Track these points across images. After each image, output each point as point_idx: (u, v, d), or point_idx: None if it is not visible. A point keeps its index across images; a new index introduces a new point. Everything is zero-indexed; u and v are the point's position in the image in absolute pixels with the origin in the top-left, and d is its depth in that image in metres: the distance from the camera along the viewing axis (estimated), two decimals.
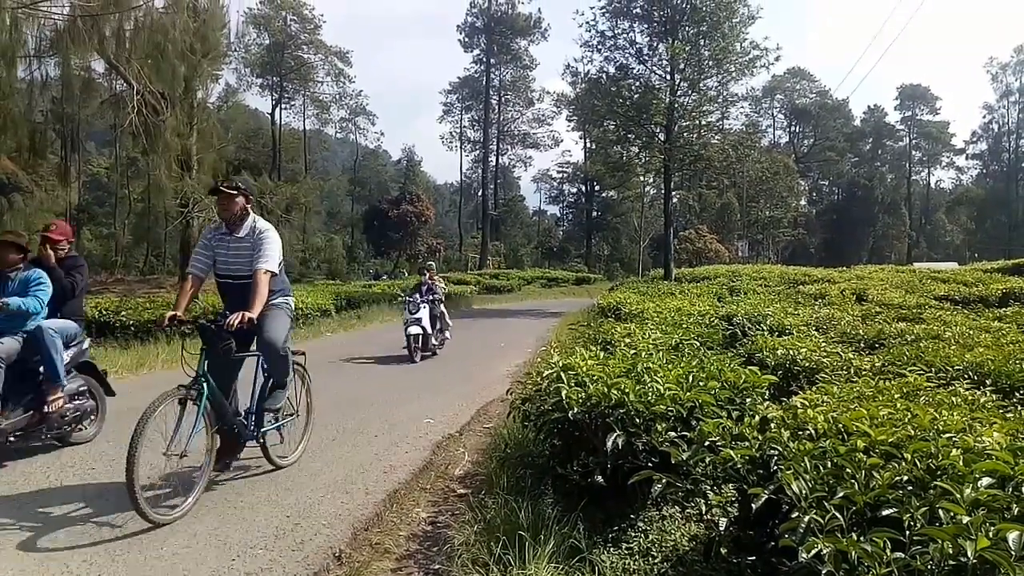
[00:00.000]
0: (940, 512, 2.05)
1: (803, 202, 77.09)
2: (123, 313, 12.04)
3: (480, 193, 69.17)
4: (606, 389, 3.80)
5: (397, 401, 8.02)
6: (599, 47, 31.45)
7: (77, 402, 5.76)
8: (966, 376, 4.82)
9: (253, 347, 4.98)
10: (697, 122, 31.02)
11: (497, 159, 69.88)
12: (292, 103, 62.51)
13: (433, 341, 11.94)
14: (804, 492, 2.33)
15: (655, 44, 30.65)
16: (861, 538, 2.03)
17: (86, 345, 6.12)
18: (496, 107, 67.00)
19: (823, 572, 2.00)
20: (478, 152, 69.35)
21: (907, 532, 2.04)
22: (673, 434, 3.44)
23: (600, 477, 3.61)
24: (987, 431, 2.74)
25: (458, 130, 69.98)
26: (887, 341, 6.96)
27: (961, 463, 2.29)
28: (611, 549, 3.33)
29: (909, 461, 2.41)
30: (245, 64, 54.46)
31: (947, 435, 2.71)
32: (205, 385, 4.38)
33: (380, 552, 3.79)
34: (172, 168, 16.15)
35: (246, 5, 61.49)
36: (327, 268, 54.71)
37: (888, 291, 14.90)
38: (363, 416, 7.13)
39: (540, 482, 4.27)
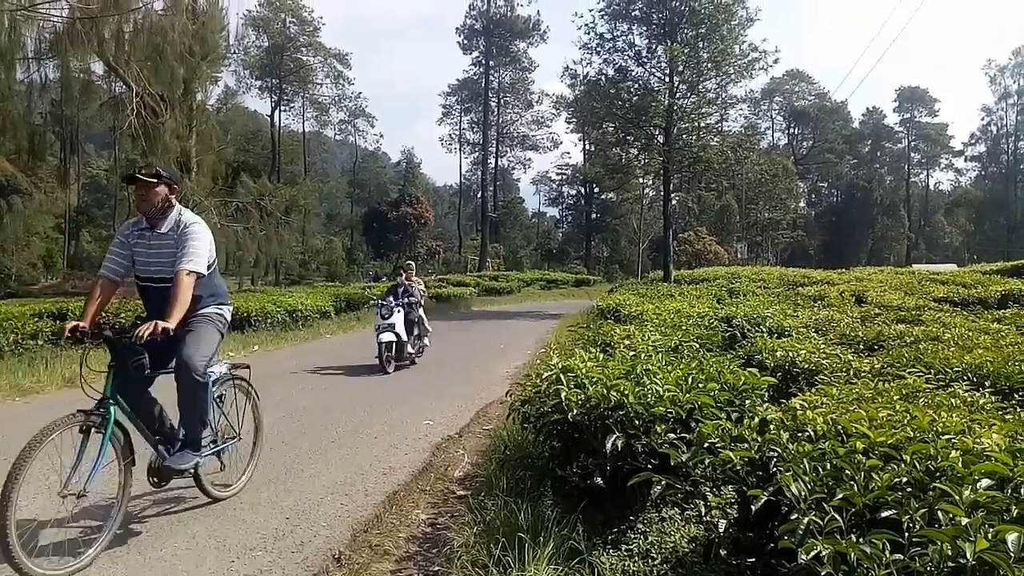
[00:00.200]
0: (939, 514, 2.05)
1: (802, 204, 77.20)
2: (122, 315, 12.03)
3: (479, 195, 69.22)
4: (605, 391, 3.80)
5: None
6: (598, 49, 31.55)
7: None
8: (965, 378, 4.82)
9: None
10: (696, 124, 31.08)
11: (496, 161, 70.01)
12: (291, 105, 62.60)
13: (409, 349, 11.01)
14: (803, 494, 2.33)
15: (654, 46, 30.72)
16: (860, 540, 2.03)
17: None
18: (495, 109, 67.08)
19: (822, 573, 2.00)
20: (477, 154, 69.43)
21: (906, 534, 2.04)
22: (672, 436, 3.45)
23: (599, 479, 3.61)
24: (986, 433, 2.75)
25: (457, 132, 70.15)
26: (886, 343, 6.97)
27: (960, 465, 2.30)
28: (610, 551, 3.33)
29: (908, 463, 2.41)
30: (244, 66, 54.53)
31: (946, 437, 2.71)
32: (113, 409, 3.73)
33: (380, 554, 3.79)
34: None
35: (245, 7, 61.69)
36: (326, 270, 54.72)
37: (887, 293, 14.92)
38: (360, 418, 7.11)
39: (539, 484, 4.27)
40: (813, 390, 4.36)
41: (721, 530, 2.92)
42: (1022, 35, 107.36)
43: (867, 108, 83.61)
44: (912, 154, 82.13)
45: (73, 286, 38.48)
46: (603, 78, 31.50)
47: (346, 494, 4.74)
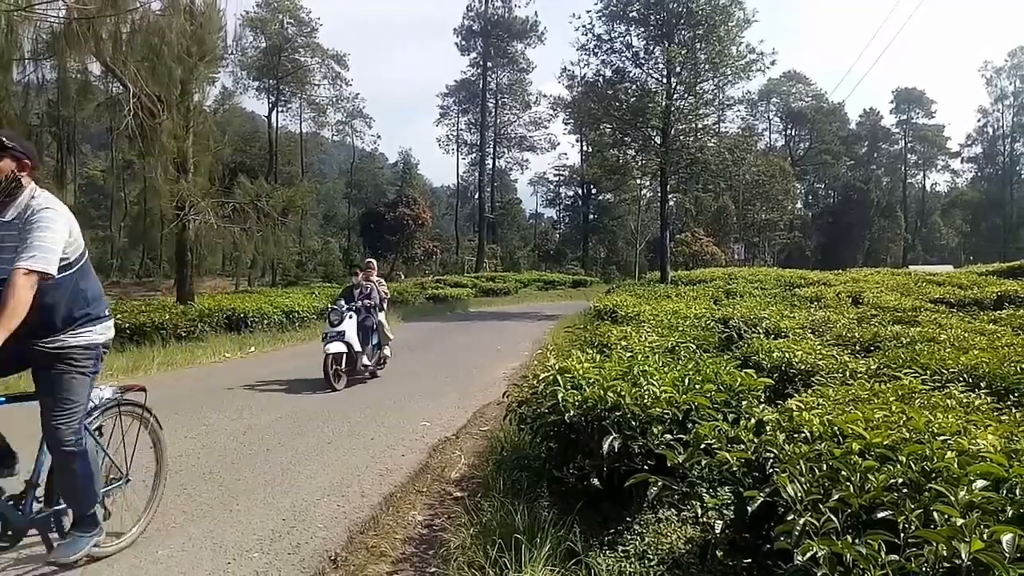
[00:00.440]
0: (935, 514, 2.05)
1: (799, 205, 77.29)
2: (118, 316, 12.02)
3: (477, 196, 69.17)
4: (602, 392, 3.80)
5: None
6: (595, 50, 31.53)
7: None
8: (961, 379, 4.83)
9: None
10: (693, 125, 31.08)
11: (494, 162, 69.96)
12: (289, 106, 62.48)
13: (365, 361, 9.69)
14: (799, 495, 2.34)
15: (651, 48, 30.73)
16: (856, 540, 2.03)
17: None
18: (493, 110, 67.07)
19: (818, 574, 2.00)
20: (475, 155, 69.37)
21: (902, 534, 2.05)
22: (669, 437, 3.45)
23: (596, 480, 3.61)
24: (982, 434, 2.76)
25: (455, 133, 70.10)
26: (882, 344, 6.98)
27: (956, 465, 2.30)
28: (607, 552, 3.33)
29: (904, 464, 2.41)
30: (242, 67, 54.37)
31: (942, 438, 2.71)
32: None
33: (376, 555, 3.79)
34: (168, 171, 16.10)
35: (243, 8, 61.42)
36: (323, 271, 54.62)
37: (884, 294, 14.95)
38: (357, 419, 7.11)
39: (536, 485, 4.28)
40: (809, 391, 4.38)
41: (717, 531, 2.92)
42: (1018, 37, 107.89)
43: (864, 109, 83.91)
44: (909, 155, 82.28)
45: None
46: (600, 79, 31.51)
47: (343, 495, 4.73)
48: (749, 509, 2.56)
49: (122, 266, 52.18)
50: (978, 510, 2.04)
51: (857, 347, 7.15)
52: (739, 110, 36.14)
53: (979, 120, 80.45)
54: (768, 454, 2.81)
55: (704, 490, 3.14)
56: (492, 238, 66.95)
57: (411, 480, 5.14)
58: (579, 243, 71.12)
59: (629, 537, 3.48)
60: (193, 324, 13.33)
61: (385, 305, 10.87)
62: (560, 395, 3.91)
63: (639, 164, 34.09)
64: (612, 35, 31.28)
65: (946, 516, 2.01)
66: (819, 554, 2.02)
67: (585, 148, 61.93)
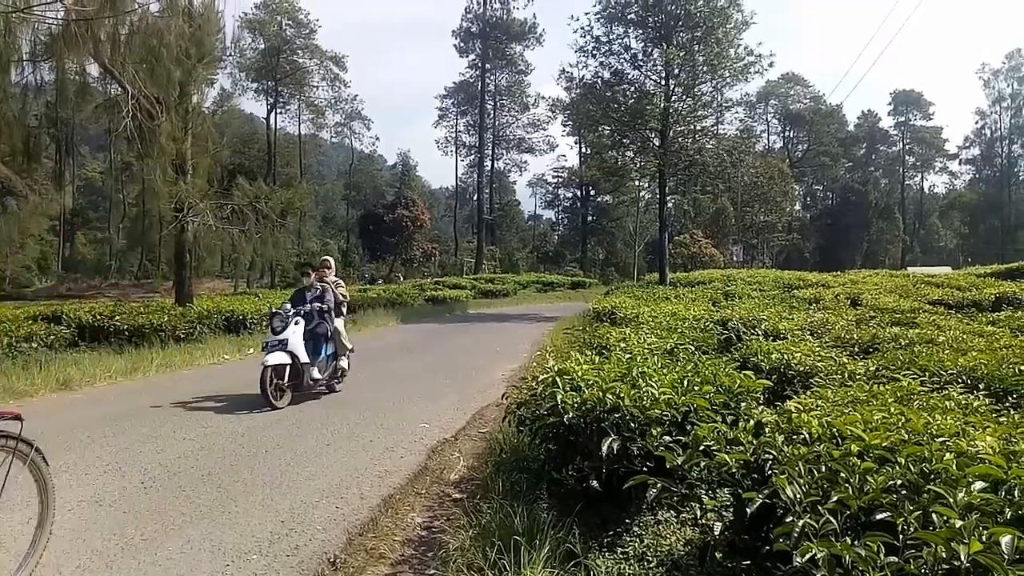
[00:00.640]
0: (933, 516, 2.06)
1: (797, 207, 77.39)
2: (117, 318, 12.01)
3: (475, 197, 69.21)
4: (601, 394, 3.81)
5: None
6: (594, 52, 31.55)
7: None
8: (959, 380, 4.84)
9: None
10: (692, 127, 31.10)
11: (492, 164, 70.03)
12: (287, 108, 62.50)
13: (316, 374, 8.29)
14: (798, 496, 2.34)
15: (650, 49, 30.75)
16: (855, 542, 2.04)
17: None
18: (491, 112, 67.12)
19: None
20: (473, 157, 69.42)
21: (901, 536, 2.05)
22: (668, 439, 3.45)
23: (595, 482, 3.61)
24: (980, 435, 2.76)
25: (453, 135, 70.13)
26: (881, 345, 7.00)
27: (954, 467, 2.31)
28: (606, 554, 3.33)
29: (903, 465, 2.42)
30: (240, 69, 54.40)
31: (940, 439, 2.72)
32: None
33: (375, 557, 3.78)
34: (167, 173, 16.09)
35: (241, 10, 61.35)
36: None
37: (882, 295, 14.98)
38: (356, 421, 7.11)
39: (535, 487, 4.27)
40: (808, 393, 4.38)
41: (716, 533, 2.93)
42: (1016, 39, 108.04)
43: (862, 111, 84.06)
44: (907, 157, 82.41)
45: (68, 288, 38.46)
46: (599, 81, 31.53)
47: (341, 497, 4.72)
48: (748, 511, 2.56)
49: (121, 268, 52.21)
50: (977, 512, 2.04)
51: (856, 349, 7.16)
52: (737, 112, 36.21)
53: (977, 122, 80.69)
54: (767, 456, 2.81)
55: (703, 492, 3.15)
56: (491, 240, 66.99)
57: (410, 482, 5.13)
58: (578, 245, 71.16)
59: (628, 539, 3.48)
60: (192, 326, 13.32)
61: (344, 310, 9.70)
62: (559, 397, 3.91)
63: (638, 166, 34.13)
64: (610, 37, 31.32)
65: (945, 518, 2.01)
66: (818, 556, 2.02)
67: (584, 150, 61.99)
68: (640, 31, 30.90)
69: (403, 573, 3.62)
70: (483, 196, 66.72)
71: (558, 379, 4.17)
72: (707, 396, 3.80)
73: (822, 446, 2.70)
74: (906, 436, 2.75)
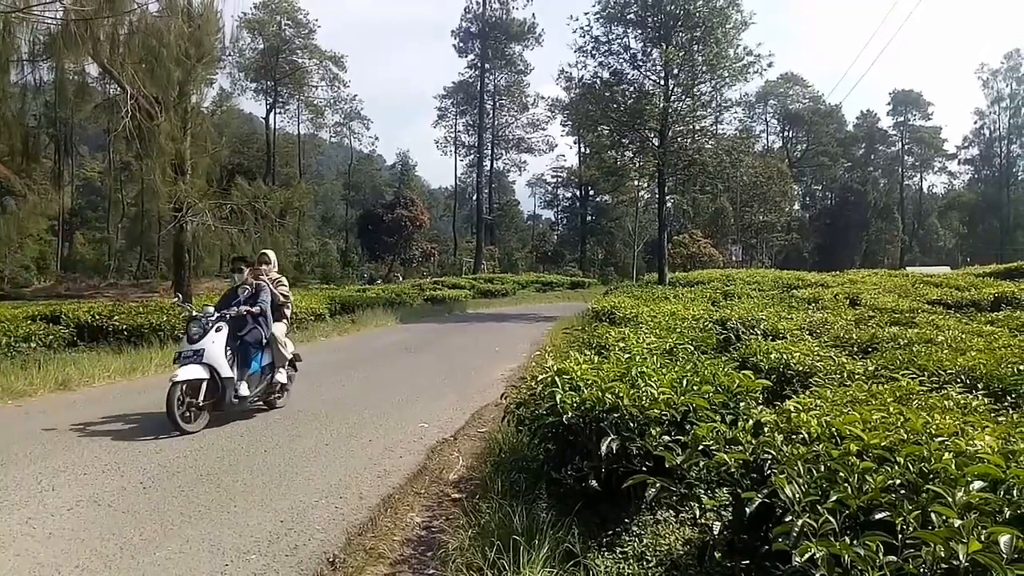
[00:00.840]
0: (932, 515, 2.06)
1: (797, 207, 77.44)
2: (115, 318, 12.00)
3: (475, 197, 69.24)
4: (600, 393, 3.81)
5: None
6: (593, 52, 31.57)
7: None
8: (958, 380, 4.85)
9: None
10: (691, 127, 31.13)
11: (492, 163, 70.05)
12: (286, 108, 62.57)
13: (244, 391, 6.93)
14: (797, 496, 2.34)
15: (649, 49, 30.75)
16: (854, 542, 2.04)
17: None
18: (491, 112, 67.14)
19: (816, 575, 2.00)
20: (473, 156, 69.44)
21: (900, 535, 2.05)
22: (667, 438, 3.45)
23: (594, 481, 3.61)
24: (979, 435, 2.76)
25: (453, 135, 70.19)
26: (880, 345, 7.00)
27: (953, 467, 2.31)
28: (605, 553, 3.33)
29: (902, 465, 2.42)
30: (239, 68, 54.32)
31: (939, 439, 2.72)
32: None
33: (374, 557, 3.78)
34: (166, 172, 16.09)
35: (240, 10, 61.50)
36: (321, 272, 54.63)
37: (881, 295, 14.98)
38: (355, 421, 7.11)
39: (535, 486, 4.27)
40: (807, 392, 4.38)
41: (716, 532, 2.93)
42: (1015, 39, 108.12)
43: (861, 111, 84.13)
44: (906, 157, 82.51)
45: (66, 288, 38.39)
46: (598, 81, 31.53)
47: (341, 497, 4.72)
48: (747, 510, 2.56)
49: (120, 267, 52.14)
50: (976, 511, 2.04)
51: (855, 348, 7.16)
52: (736, 112, 36.17)
53: (976, 122, 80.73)
54: (766, 455, 2.81)
55: (702, 491, 3.14)
56: (490, 239, 66.99)
57: (409, 482, 5.13)
58: (577, 244, 71.21)
59: (627, 538, 3.48)
60: None
61: (288, 312, 8.19)
62: (558, 396, 3.91)
63: (637, 166, 34.15)
64: (610, 37, 31.34)
65: (944, 517, 2.01)
66: (817, 555, 2.02)
67: (583, 150, 62.08)
68: (639, 31, 30.91)
69: (402, 573, 3.62)
70: (482, 196, 66.73)
71: (557, 379, 4.17)
72: (706, 396, 3.80)
73: (821, 446, 2.70)
74: (905, 436, 2.75)
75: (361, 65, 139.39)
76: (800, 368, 5.51)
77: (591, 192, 68.24)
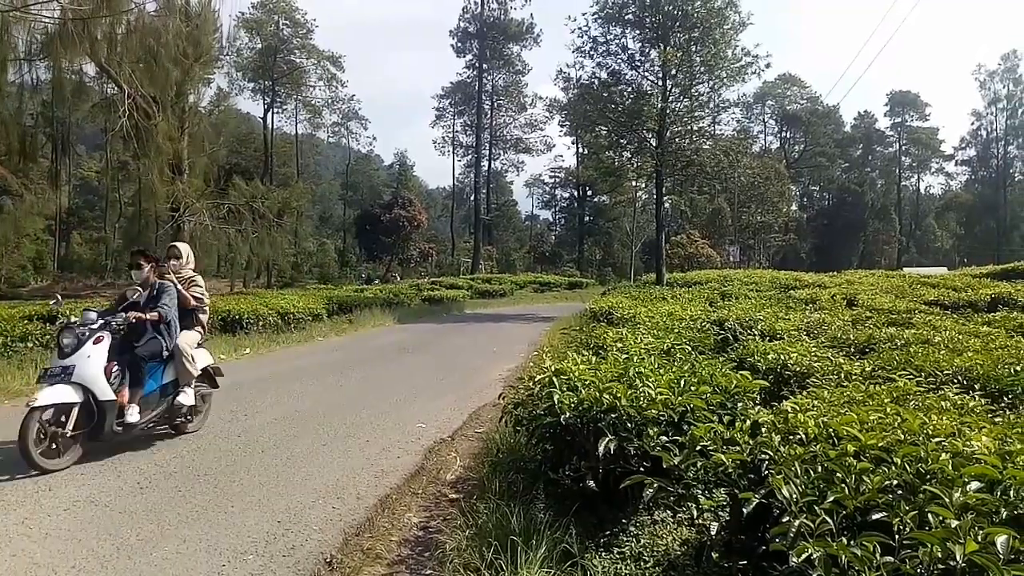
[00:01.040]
0: (929, 516, 2.06)
1: (794, 207, 77.46)
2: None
3: (472, 198, 69.20)
4: (598, 394, 3.81)
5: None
6: (591, 53, 31.54)
7: None
8: (955, 381, 4.86)
9: None
10: (689, 127, 31.13)
11: (490, 164, 69.89)
12: (284, 107, 62.36)
13: (132, 417, 5.59)
14: (794, 496, 2.34)
15: (647, 50, 30.75)
16: (851, 542, 2.04)
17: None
18: (488, 112, 67.05)
19: None
20: (470, 157, 69.35)
21: (897, 536, 2.05)
22: (664, 439, 3.46)
23: (592, 482, 3.61)
24: (976, 435, 2.77)
25: (450, 135, 70.05)
26: (877, 346, 7.00)
27: (950, 467, 2.31)
28: (603, 554, 3.33)
29: (899, 465, 2.42)
30: (237, 68, 54.11)
31: (936, 439, 2.72)
32: None
33: (371, 557, 3.78)
34: (163, 172, 16.08)
35: (238, 9, 61.36)
36: (319, 272, 54.60)
37: (878, 296, 14.99)
38: (353, 421, 7.10)
39: (532, 487, 4.27)
40: (804, 393, 4.39)
41: (713, 533, 2.93)
42: (1012, 40, 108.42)
43: (858, 112, 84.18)
44: (903, 158, 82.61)
45: (64, 288, 38.31)
46: (596, 81, 31.52)
47: (338, 497, 4.72)
48: (744, 511, 2.56)
49: (116, 267, 51.95)
50: (972, 512, 2.05)
51: (852, 349, 7.17)
52: (734, 112, 36.36)
53: (973, 123, 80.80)
54: (763, 456, 2.81)
55: (700, 492, 3.15)
56: (488, 240, 66.93)
57: (407, 482, 5.13)
58: (575, 245, 71.18)
59: (625, 539, 3.49)
60: None
61: (204, 320, 6.74)
62: (556, 397, 3.91)
63: (635, 166, 34.15)
64: (608, 37, 31.31)
65: (941, 518, 2.02)
66: (814, 556, 2.03)
67: (581, 150, 62.03)
68: (637, 32, 30.90)
69: (399, 573, 3.61)
70: (480, 196, 66.67)
71: (555, 379, 4.17)
72: (704, 396, 3.80)
73: (818, 446, 2.70)
74: (902, 436, 2.76)
75: (359, 65, 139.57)
76: (797, 369, 5.51)
77: (589, 192, 68.24)
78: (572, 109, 36.49)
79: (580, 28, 31.53)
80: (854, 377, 5.04)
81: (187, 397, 6.14)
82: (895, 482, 2.32)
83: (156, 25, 15.53)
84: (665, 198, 36.24)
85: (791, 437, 2.93)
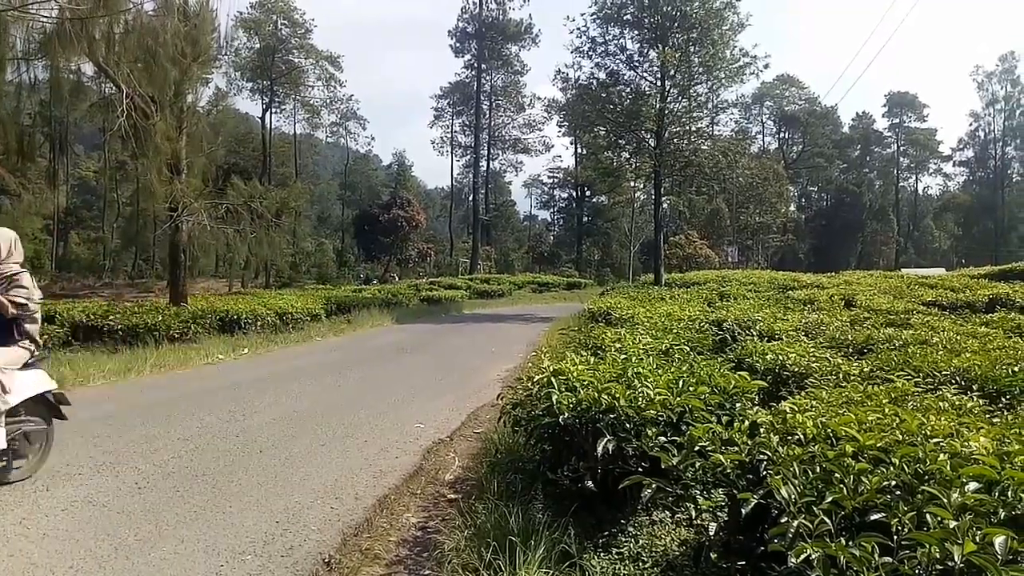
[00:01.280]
0: (928, 516, 2.07)
1: (792, 208, 77.52)
2: (111, 317, 11.97)
3: (471, 198, 69.20)
4: (596, 394, 3.81)
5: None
6: (590, 53, 31.61)
7: None
8: (953, 381, 4.86)
9: None
10: (687, 128, 31.17)
11: (488, 164, 69.86)
12: (283, 107, 62.31)
13: None
14: (793, 497, 2.34)
15: (645, 51, 30.81)
16: (849, 543, 2.04)
17: None
18: (487, 112, 67.04)
19: None
20: (469, 157, 69.34)
21: (895, 536, 2.05)
22: (663, 439, 3.46)
23: (590, 482, 3.62)
24: (974, 436, 2.77)
25: (449, 135, 70.07)
26: (875, 346, 7.01)
27: (948, 468, 2.31)
28: (601, 554, 3.33)
29: (897, 466, 2.42)
30: (235, 68, 54.04)
31: (934, 440, 2.73)
32: None
33: (370, 558, 3.78)
34: (162, 172, 16.02)
35: (236, 9, 61.20)
36: (317, 273, 54.55)
37: (876, 296, 15.01)
38: (351, 421, 7.10)
39: (530, 487, 4.27)
40: (803, 393, 4.39)
41: (711, 533, 2.93)
42: (1010, 41, 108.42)
43: (857, 113, 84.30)
44: (901, 159, 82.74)
45: (61, 288, 38.25)
46: (595, 82, 31.56)
47: (336, 498, 4.71)
48: (743, 511, 2.56)
49: (115, 267, 51.99)
50: (971, 512, 2.05)
51: (850, 350, 7.18)
52: (733, 113, 36.35)
53: (971, 124, 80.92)
54: (762, 456, 2.82)
55: (698, 492, 3.15)
56: (486, 240, 66.92)
57: (405, 482, 5.12)
58: (573, 245, 71.15)
59: (623, 539, 3.49)
60: (186, 326, 13.26)
61: (34, 330, 4.99)
62: (554, 397, 3.91)
63: (633, 167, 34.18)
64: (606, 38, 31.37)
65: (939, 518, 2.02)
66: (813, 556, 2.03)
67: (579, 151, 62.08)
68: (636, 32, 30.94)
69: (398, 574, 3.61)
70: (478, 196, 66.67)
71: (553, 379, 4.17)
72: (702, 397, 3.80)
73: (817, 447, 2.70)
74: (900, 437, 2.76)
75: (357, 65, 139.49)
76: (796, 369, 5.52)
77: (587, 193, 68.21)
78: (571, 109, 36.53)
79: (579, 28, 31.63)
80: (852, 378, 5.04)
81: (24, 426, 4.77)
82: (893, 483, 2.32)
83: (154, 25, 15.48)
84: (663, 198, 36.25)
85: (789, 437, 2.94)
